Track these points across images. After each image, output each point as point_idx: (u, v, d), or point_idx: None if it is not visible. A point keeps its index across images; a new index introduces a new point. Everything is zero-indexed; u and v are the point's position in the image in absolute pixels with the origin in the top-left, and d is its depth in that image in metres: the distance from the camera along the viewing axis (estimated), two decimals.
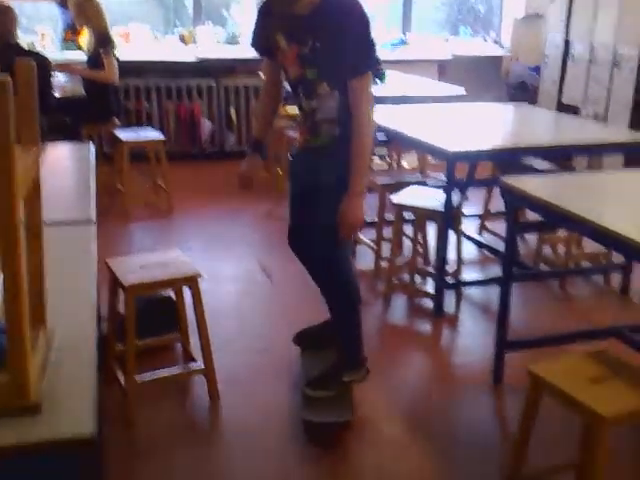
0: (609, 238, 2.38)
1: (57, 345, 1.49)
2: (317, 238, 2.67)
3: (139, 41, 6.79)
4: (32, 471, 1.26)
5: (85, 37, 5.59)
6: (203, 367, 2.93)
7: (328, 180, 2.59)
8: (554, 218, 2.74)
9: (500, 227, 4.37)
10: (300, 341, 3.17)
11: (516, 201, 2.95)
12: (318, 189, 2.63)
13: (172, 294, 3.19)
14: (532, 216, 3.58)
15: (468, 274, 4.25)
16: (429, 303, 3.91)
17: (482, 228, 4.98)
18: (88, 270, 1.91)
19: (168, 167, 5.34)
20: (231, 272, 4.37)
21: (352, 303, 2.75)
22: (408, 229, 4.35)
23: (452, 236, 3.83)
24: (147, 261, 2.95)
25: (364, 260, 4.55)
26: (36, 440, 1.23)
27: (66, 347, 1.50)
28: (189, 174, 6.30)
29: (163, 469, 2.53)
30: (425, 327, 3.77)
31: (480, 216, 5.00)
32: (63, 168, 3.14)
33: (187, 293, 2.92)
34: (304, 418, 2.76)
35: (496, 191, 4.11)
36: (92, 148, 3.26)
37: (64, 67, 5.59)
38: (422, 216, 3.93)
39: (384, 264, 4.28)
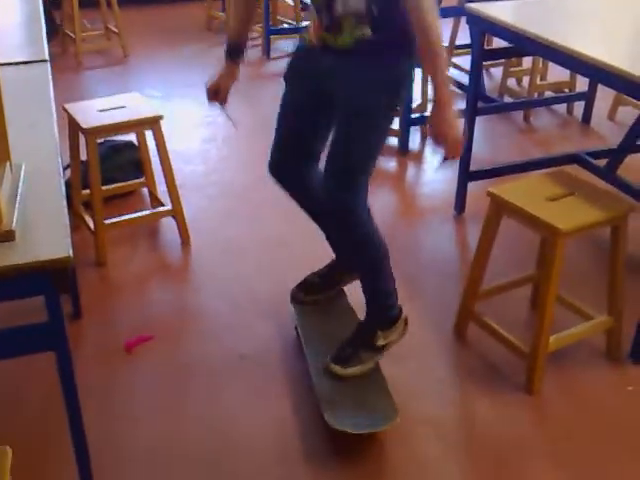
0: (575, 60, 2.38)
1: (24, 178, 1.49)
2: (337, 180, 1.98)
3: None
4: (9, 294, 1.31)
5: None
6: (170, 209, 2.96)
7: (365, 95, 1.92)
8: (520, 42, 2.71)
9: (466, 62, 4.32)
10: (300, 295, 2.44)
11: (482, 27, 2.89)
12: (348, 107, 1.96)
13: (134, 139, 3.16)
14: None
15: None
16: (394, 141, 3.92)
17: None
18: (46, 107, 1.88)
19: (119, 11, 5.10)
20: (193, 118, 4.30)
21: (380, 253, 2.10)
22: None
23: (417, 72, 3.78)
24: (106, 105, 2.89)
25: None
26: (12, 264, 1.26)
27: (33, 180, 1.51)
28: (142, 18, 6.01)
29: (137, 304, 2.62)
30: (390, 164, 3.81)
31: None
32: (11, 9, 2.97)
33: (149, 138, 2.89)
34: (334, 427, 1.95)
35: (463, 24, 4.01)
36: None
37: None
38: None
39: None
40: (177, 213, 2.96)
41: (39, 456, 1.95)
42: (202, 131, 4.12)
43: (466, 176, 3.12)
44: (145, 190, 3.28)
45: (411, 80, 2.07)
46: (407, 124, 3.82)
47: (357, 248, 2.10)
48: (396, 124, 3.96)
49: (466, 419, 2.18)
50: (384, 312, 2.17)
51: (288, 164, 2.18)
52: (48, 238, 1.33)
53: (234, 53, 2.18)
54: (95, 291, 2.69)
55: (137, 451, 1.99)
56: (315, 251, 2.51)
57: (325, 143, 2.14)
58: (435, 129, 1.86)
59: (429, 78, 1.89)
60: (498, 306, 2.46)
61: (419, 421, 2.08)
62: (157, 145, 2.85)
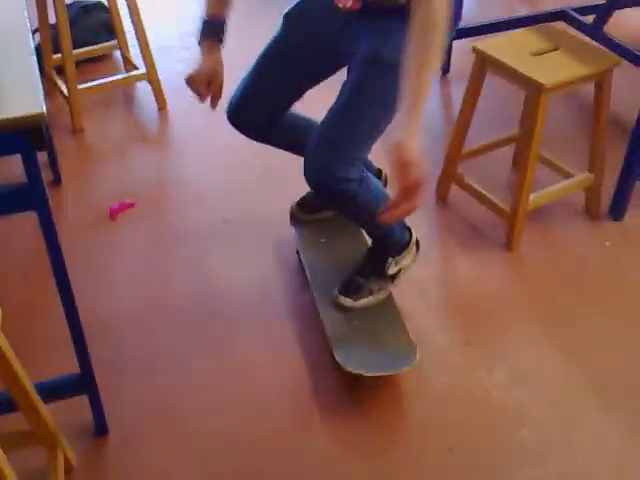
0: None
1: None
2: (331, 149, 1.68)
3: None
4: None
5: None
6: (145, 72, 2.86)
7: (387, 52, 1.60)
8: None
9: None
10: (300, 215, 2.21)
11: None
12: (373, 59, 1.64)
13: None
14: None
15: None
16: None
17: None
18: None
19: None
20: None
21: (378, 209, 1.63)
22: None
23: None
24: None
25: None
26: None
27: (0, 41, 1.44)
28: None
29: (117, 171, 2.58)
30: None
31: None
32: None
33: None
34: (348, 369, 1.77)
35: None
36: None
37: None
38: None
39: None
40: (152, 77, 2.86)
41: (27, 314, 1.99)
42: None
43: (451, 34, 3.01)
44: (118, 53, 3.16)
45: None
46: None
47: (349, 216, 1.93)
48: None
49: (447, 276, 2.23)
50: (395, 242, 1.98)
51: (255, 114, 1.88)
52: (20, 96, 1.29)
53: (213, 30, 1.73)
54: (73, 158, 2.65)
55: (123, 313, 2.03)
56: None
57: (294, 102, 1.90)
58: (397, 164, 1.42)
59: (409, 92, 1.43)
60: (480, 168, 2.46)
61: (402, 280, 2.12)
62: (128, 5, 2.71)
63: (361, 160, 1.72)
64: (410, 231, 2.01)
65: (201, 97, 1.77)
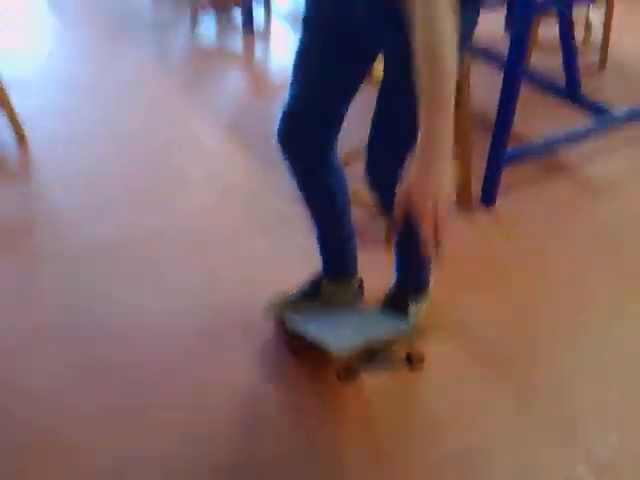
0: None
1: None
2: (398, 142, 1.51)
3: None
4: None
5: None
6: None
7: None
8: None
9: None
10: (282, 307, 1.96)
11: None
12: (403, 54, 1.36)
13: None
14: None
15: None
16: (238, 19, 3.77)
17: None
18: None
19: None
20: (16, 8, 3.92)
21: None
22: None
23: None
24: None
25: None
26: None
27: None
28: None
29: None
30: (236, 44, 3.67)
31: None
32: None
33: None
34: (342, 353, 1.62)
35: None
36: None
37: None
38: None
39: None
40: (8, 112, 2.71)
41: None
42: (28, 27, 3.77)
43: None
44: None
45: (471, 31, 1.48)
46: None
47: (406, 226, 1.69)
48: None
49: None
50: (419, 285, 1.91)
51: (311, 130, 1.63)
52: None
53: None
54: None
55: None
56: (172, 140, 2.39)
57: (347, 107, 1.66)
58: (410, 189, 1.25)
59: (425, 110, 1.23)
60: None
61: None
62: None
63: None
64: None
65: None
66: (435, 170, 1.23)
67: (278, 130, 1.65)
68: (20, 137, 2.78)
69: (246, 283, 2.08)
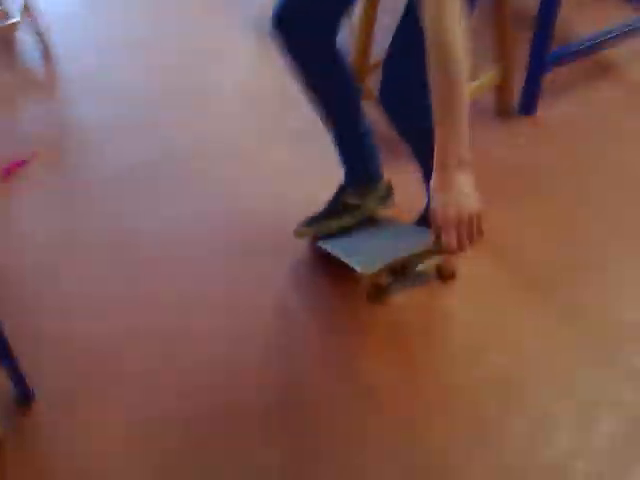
0: None
1: None
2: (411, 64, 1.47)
3: None
4: None
5: None
6: (23, 19, 2.64)
7: None
8: None
9: None
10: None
11: None
12: None
13: None
14: None
15: None
16: None
17: None
18: None
19: None
20: None
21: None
22: None
23: None
24: None
25: None
26: None
27: None
28: None
29: (8, 119, 2.40)
30: None
31: None
32: None
33: None
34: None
35: None
36: None
37: None
38: None
39: None
40: (32, 19, 2.65)
41: None
42: None
43: None
44: None
45: None
46: None
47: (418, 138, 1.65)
48: None
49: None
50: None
51: (309, 22, 1.58)
52: None
53: None
54: None
55: (31, 275, 1.91)
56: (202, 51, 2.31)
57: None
58: (434, 214, 1.27)
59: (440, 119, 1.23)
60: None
61: None
62: None
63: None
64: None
65: None
66: (455, 193, 1.23)
67: (273, 16, 1.57)
68: (45, 46, 2.72)
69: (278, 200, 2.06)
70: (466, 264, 1.85)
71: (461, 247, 1.26)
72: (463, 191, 1.24)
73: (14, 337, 1.54)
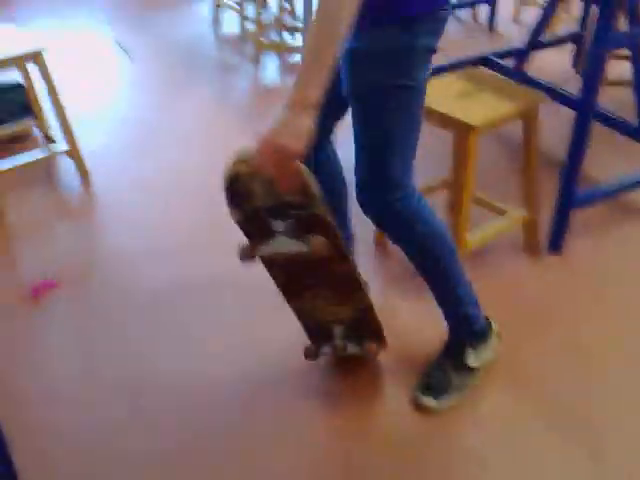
0: None
1: None
2: (368, 175, 1.61)
3: None
4: None
5: None
6: (66, 147, 2.76)
7: (352, 75, 1.53)
8: None
9: None
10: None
11: None
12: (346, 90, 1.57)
13: (19, 78, 2.93)
14: None
15: None
16: (298, 59, 3.78)
17: None
18: None
19: None
20: (81, 46, 4.03)
21: (445, 247, 1.69)
22: None
23: None
24: None
25: (228, 25, 4.35)
26: None
27: None
28: None
29: (40, 249, 2.45)
30: None
31: None
32: None
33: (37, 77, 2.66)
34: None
35: None
36: None
37: None
38: None
39: (250, 25, 4.11)
40: (73, 150, 2.77)
41: None
42: (93, 64, 3.88)
43: None
44: (37, 131, 3.07)
45: (422, 49, 1.49)
46: None
47: (415, 249, 1.71)
48: (300, 42, 3.81)
49: (389, 323, 2.13)
50: (468, 325, 1.80)
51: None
52: None
53: None
54: None
55: (60, 388, 1.87)
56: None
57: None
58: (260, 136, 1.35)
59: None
60: None
61: None
62: (44, 79, 2.62)
63: (407, 183, 1.61)
64: (488, 320, 1.86)
65: None
66: (289, 128, 1.30)
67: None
68: (84, 179, 2.83)
69: None
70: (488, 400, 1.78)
71: (275, 175, 1.35)
72: (297, 131, 1.29)
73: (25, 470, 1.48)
